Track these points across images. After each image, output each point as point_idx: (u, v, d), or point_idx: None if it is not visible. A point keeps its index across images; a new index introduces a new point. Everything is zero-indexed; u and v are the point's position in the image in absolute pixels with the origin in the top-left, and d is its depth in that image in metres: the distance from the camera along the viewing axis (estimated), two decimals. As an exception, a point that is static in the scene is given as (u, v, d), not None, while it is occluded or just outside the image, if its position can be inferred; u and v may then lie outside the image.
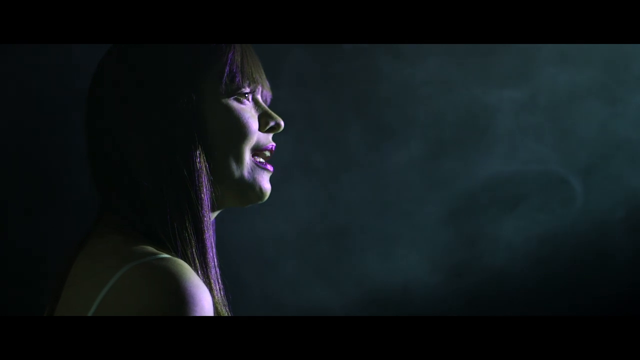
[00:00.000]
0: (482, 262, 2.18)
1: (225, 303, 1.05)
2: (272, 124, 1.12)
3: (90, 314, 0.92)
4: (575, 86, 2.19)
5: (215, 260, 1.05)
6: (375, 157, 2.16)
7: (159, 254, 0.94)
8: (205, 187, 1.03)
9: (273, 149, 1.12)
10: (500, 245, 2.18)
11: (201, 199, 1.02)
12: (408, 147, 2.17)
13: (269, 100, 1.15)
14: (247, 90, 1.09)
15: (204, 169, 1.03)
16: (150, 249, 0.96)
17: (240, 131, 1.07)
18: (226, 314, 1.04)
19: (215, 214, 1.10)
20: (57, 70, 1.91)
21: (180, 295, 0.89)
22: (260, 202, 1.10)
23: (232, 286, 1.09)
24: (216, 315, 0.99)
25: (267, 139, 1.11)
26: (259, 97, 1.12)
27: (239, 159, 1.07)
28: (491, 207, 2.19)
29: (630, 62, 2.17)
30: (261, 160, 1.10)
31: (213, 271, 1.03)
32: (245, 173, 1.08)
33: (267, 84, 1.13)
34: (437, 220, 2.17)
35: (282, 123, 1.13)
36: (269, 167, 1.11)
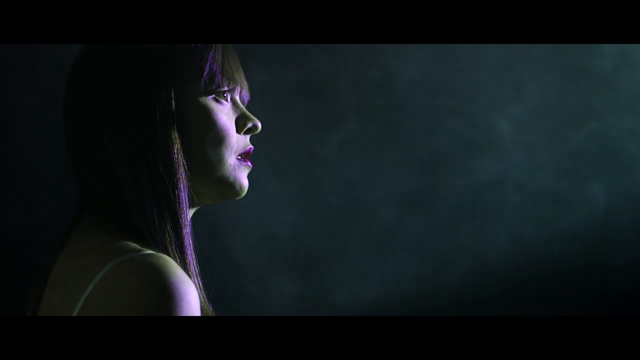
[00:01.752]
0: (473, 267, 2.19)
1: (205, 299, 1.05)
2: (249, 125, 1.11)
3: (75, 313, 0.91)
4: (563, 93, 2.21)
5: (194, 256, 1.05)
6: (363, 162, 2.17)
7: (144, 250, 0.94)
8: (183, 184, 1.03)
9: (251, 151, 1.12)
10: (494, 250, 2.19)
11: (178, 195, 1.02)
12: (401, 152, 2.17)
13: (246, 101, 1.15)
14: (226, 90, 1.09)
15: (182, 165, 1.03)
16: (134, 245, 0.96)
17: (217, 133, 1.06)
18: (208, 309, 1.04)
19: (193, 211, 1.10)
20: (30, 69, 1.91)
21: (167, 291, 0.89)
22: (237, 198, 1.11)
23: (211, 282, 1.09)
24: (201, 310, 0.98)
25: (245, 141, 1.11)
26: (237, 97, 1.12)
27: (219, 160, 1.07)
28: (485, 212, 2.20)
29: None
30: (240, 157, 1.10)
31: (192, 267, 1.03)
32: (226, 172, 1.08)
33: (245, 85, 1.14)
34: (430, 226, 2.17)
35: (259, 125, 1.12)
36: (249, 163, 1.11)
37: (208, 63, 1.06)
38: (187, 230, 1.03)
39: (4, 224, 1.91)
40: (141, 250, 0.93)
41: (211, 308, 1.05)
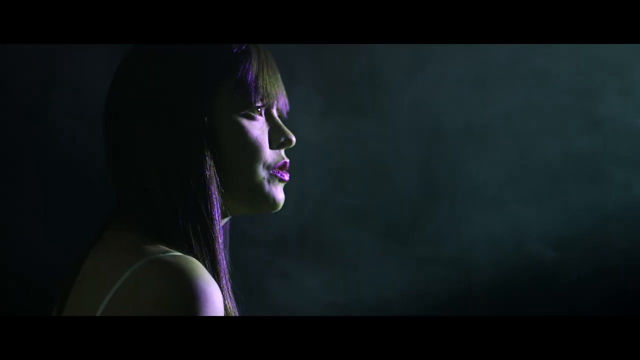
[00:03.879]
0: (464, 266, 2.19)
1: (233, 306, 1.05)
2: (282, 140, 1.11)
3: (101, 307, 0.93)
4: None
5: (225, 262, 1.05)
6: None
7: (172, 252, 0.96)
8: (216, 200, 1.03)
9: (287, 165, 1.11)
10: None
11: (211, 210, 1.02)
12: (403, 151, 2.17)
13: (285, 111, 1.14)
14: (260, 104, 1.09)
15: (214, 181, 1.04)
16: (164, 247, 0.98)
17: (248, 149, 1.06)
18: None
19: (225, 220, 1.11)
20: (72, 71, 1.91)
21: (193, 291, 0.90)
22: (273, 211, 1.10)
23: (241, 291, 1.10)
24: (226, 314, 1.00)
25: (280, 156, 1.10)
26: (273, 111, 1.12)
27: (250, 176, 1.07)
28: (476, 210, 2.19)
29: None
30: (276, 170, 1.10)
31: (224, 281, 1.03)
32: (257, 187, 1.08)
33: (283, 95, 1.12)
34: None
35: (293, 139, 1.12)
36: (285, 176, 1.11)
37: (242, 79, 1.06)
38: (218, 243, 1.03)
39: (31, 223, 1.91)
40: (170, 251, 0.96)
41: (237, 313, 1.05)
